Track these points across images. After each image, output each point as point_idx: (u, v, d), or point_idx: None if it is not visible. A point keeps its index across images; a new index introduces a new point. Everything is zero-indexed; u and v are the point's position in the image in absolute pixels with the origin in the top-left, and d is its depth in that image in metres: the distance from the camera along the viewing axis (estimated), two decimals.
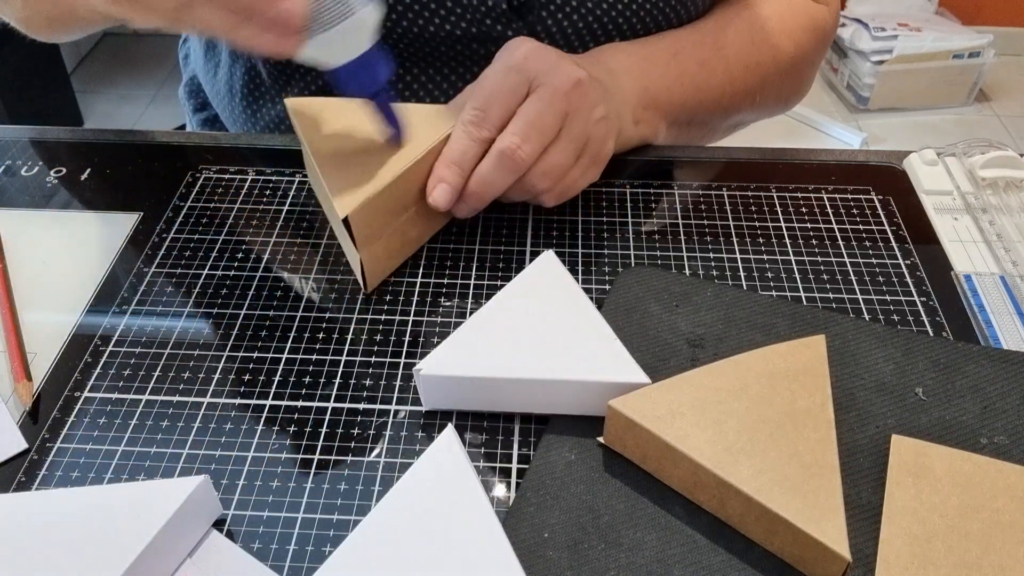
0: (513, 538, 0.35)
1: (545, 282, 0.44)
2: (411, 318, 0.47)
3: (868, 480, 0.38)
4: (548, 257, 0.45)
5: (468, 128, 0.46)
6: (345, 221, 0.43)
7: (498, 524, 0.34)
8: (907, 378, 0.42)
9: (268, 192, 0.55)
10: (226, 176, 0.57)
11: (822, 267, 0.49)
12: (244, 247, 0.51)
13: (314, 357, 0.44)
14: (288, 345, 0.45)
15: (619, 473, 0.38)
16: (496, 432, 0.41)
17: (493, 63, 0.49)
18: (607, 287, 0.48)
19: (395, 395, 0.43)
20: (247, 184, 0.56)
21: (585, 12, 0.56)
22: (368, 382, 0.43)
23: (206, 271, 0.50)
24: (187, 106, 0.78)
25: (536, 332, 0.41)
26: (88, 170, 0.58)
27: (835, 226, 0.52)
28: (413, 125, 0.47)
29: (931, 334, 0.45)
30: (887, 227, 0.52)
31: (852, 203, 0.54)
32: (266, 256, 0.51)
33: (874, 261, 0.49)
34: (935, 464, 0.36)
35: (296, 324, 0.46)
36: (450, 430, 0.38)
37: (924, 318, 0.46)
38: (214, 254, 0.51)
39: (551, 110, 0.46)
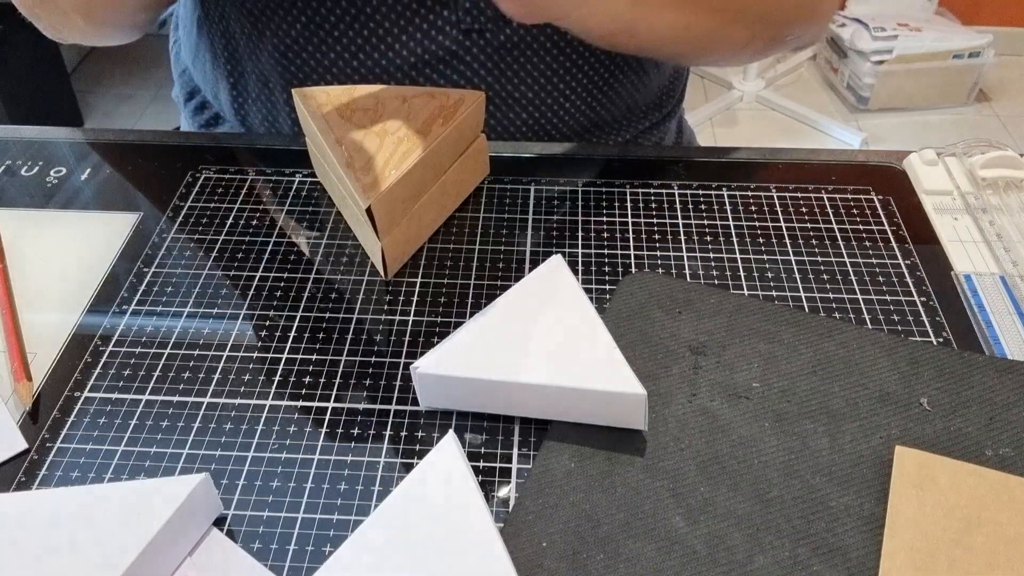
0: (512, 547, 0.35)
1: (550, 286, 0.44)
2: (411, 318, 0.47)
3: (871, 491, 0.37)
4: (556, 261, 0.45)
5: None
6: (368, 211, 0.44)
7: (497, 534, 0.34)
8: (912, 388, 0.41)
9: (268, 192, 0.55)
10: (226, 176, 0.57)
11: (822, 267, 0.49)
12: (244, 247, 0.51)
13: (314, 357, 0.44)
14: (288, 345, 0.45)
15: (619, 482, 0.38)
16: (496, 432, 0.41)
17: None
18: (607, 288, 0.48)
19: (395, 395, 0.42)
20: (247, 184, 0.56)
21: None
22: (368, 382, 0.43)
23: (206, 271, 0.50)
24: (180, 97, 0.77)
25: (536, 336, 0.41)
26: (88, 170, 0.58)
27: (835, 226, 0.52)
28: (424, 110, 0.48)
29: (931, 334, 0.45)
30: (887, 227, 0.52)
31: (852, 203, 0.54)
32: (266, 256, 0.51)
33: (874, 261, 0.49)
34: (939, 476, 0.36)
35: (296, 324, 0.46)
36: (451, 436, 0.38)
37: (924, 318, 0.46)
38: (214, 254, 0.51)
39: None
